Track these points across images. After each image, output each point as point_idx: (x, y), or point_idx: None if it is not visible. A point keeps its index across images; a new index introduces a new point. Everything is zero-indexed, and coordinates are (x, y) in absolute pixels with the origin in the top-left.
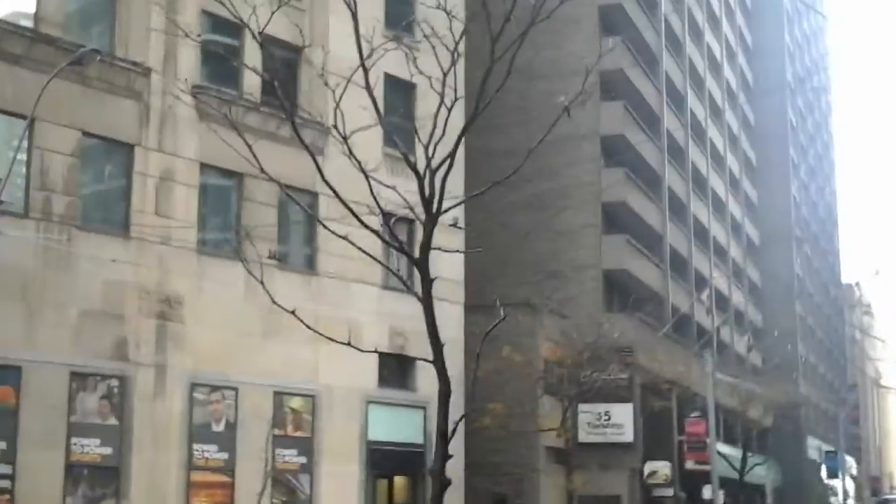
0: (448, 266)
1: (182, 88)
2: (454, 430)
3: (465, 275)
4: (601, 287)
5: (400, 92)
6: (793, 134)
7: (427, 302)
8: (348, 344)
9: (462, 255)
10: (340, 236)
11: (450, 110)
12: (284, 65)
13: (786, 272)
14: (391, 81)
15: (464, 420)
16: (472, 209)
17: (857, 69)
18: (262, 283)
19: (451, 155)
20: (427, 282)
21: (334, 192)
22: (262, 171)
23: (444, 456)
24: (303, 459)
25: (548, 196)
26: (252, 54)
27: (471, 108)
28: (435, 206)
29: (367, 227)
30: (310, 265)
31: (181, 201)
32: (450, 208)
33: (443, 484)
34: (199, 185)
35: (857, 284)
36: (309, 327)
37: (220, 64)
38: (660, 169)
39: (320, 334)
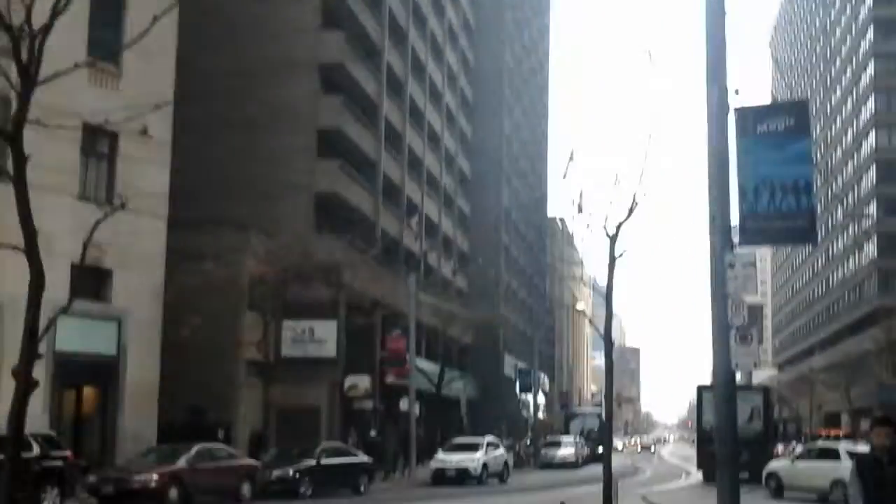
0: (152, 179)
1: None
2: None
3: (171, 189)
4: (312, 209)
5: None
6: (508, 75)
7: (19, 186)
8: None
9: (167, 169)
10: None
11: None
12: None
13: (494, 204)
14: None
15: (161, 332)
16: (186, 126)
17: (577, 17)
18: None
19: (52, 17)
20: (19, 160)
21: None
22: None
23: (31, 355)
24: None
25: (264, 118)
26: None
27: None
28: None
29: None
30: None
31: None
32: (54, 76)
33: (27, 385)
34: None
35: (562, 220)
36: None
37: None
38: (378, 100)
39: None
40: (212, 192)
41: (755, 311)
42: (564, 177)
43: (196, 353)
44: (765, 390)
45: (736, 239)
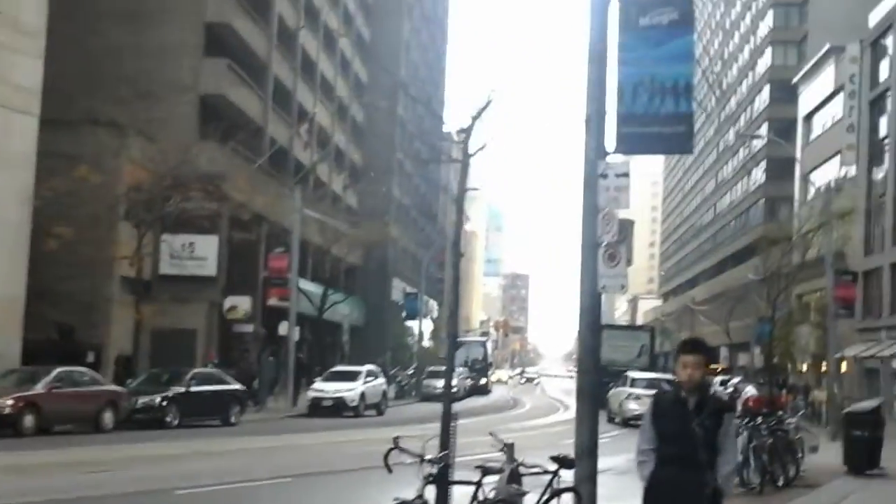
0: (22, 72)
1: None
2: None
3: (44, 85)
4: (196, 112)
5: None
6: None
7: None
8: None
9: (41, 61)
10: None
11: None
12: None
13: (389, 115)
14: None
15: (28, 241)
16: (60, 16)
17: None
18: None
19: None
20: None
21: None
22: None
23: None
24: None
25: (146, 9)
26: None
27: None
28: None
29: None
30: None
31: None
32: None
33: None
34: None
35: (458, 132)
36: None
37: None
38: None
39: None
40: (88, 89)
41: (626, 228)
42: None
43: (66, 266)
44: (651, 329)
45: (611, 147)
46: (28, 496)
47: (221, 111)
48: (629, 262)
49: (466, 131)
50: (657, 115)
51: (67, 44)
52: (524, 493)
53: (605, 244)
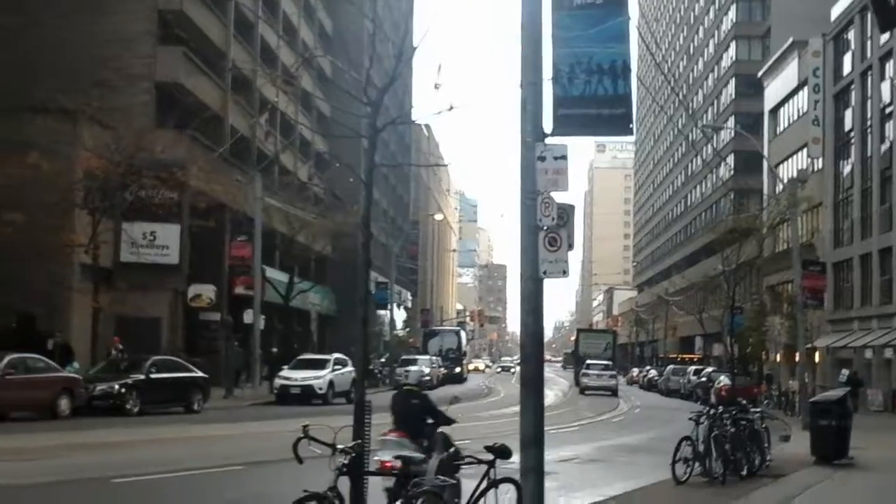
0: None
1: None
2: None
3: None
4: (153, 100)
5: None
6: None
7: None
8: None
9: None
10: None
11: None
12: None
13: (355, 104)
14: None
15: None
16: (8, 8)
17: None
18: None
19: None
20: None
21: None
22: None
23: None
24: None
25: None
26: None
27: None
28: None
29: None
30: None
31: None
32: None
33: None
34: None
35: (427, 126)
36: None
37: None
38: None
39: None
40: (42, 78)
41: (566, 212)
42: (436, 87)
43: (21, 253)
44: (614, 332)
45: (549, 129)
46: None
47: (178, 99)
48: (570, 246)
49: (374, 104)
50: (595, 96)
51: (16, 33)
52: (452, 484)
53: (545, 228)
